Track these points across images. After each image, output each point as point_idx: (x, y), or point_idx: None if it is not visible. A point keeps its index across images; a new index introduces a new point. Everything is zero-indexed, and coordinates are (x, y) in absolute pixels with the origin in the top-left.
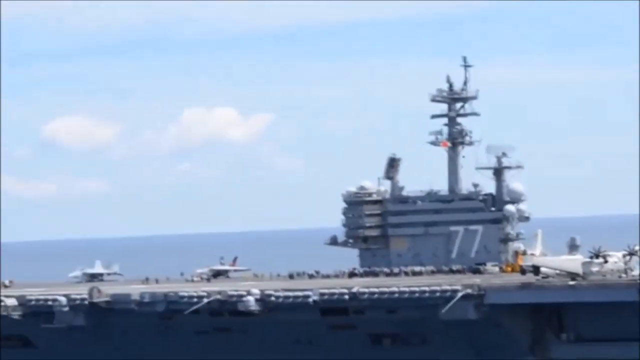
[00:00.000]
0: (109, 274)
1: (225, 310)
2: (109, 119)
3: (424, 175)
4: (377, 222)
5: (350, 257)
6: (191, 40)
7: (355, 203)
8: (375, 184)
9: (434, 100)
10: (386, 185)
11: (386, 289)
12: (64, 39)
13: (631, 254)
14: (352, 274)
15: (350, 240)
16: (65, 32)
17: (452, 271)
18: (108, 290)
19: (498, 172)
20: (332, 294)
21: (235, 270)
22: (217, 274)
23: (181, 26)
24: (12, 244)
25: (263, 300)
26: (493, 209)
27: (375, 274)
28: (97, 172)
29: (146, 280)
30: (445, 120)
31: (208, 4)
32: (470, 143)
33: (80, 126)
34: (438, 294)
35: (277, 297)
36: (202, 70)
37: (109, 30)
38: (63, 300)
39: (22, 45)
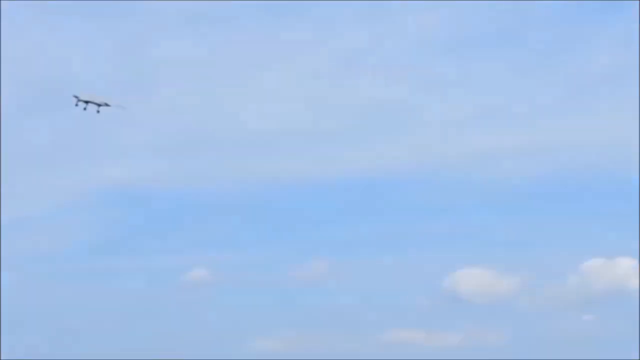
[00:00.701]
0: None
1: None
2: (509, 271)
3: None
4: None
5: None
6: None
7: None
8: None
9: None
10: None
11: None
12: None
13: None
14: None
15: None
16: (454, 185)
17: None
18: None
19: None
20: None
21: None
22: None
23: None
24: None
25: None
26: None
27: None
28: (498, 324)
29: None
30: None
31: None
32: None
33: (482, 278)
34: None
35: None
36: (602, 219)
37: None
38: None
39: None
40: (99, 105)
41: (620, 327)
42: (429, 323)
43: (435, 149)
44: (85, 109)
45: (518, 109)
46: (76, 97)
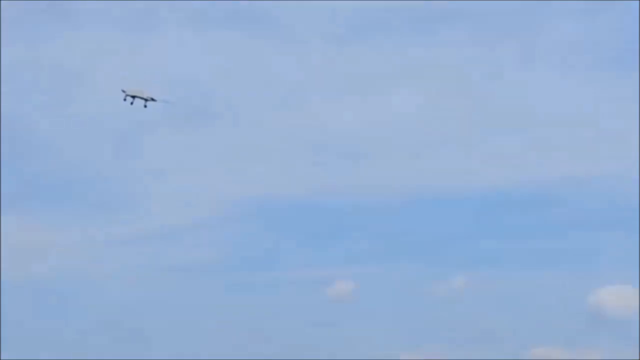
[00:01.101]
0: None
1: None
2: None
3: None
4: None
5: None
6: None
7: None
8: None
9: None
10: None
11: None
12: None
13: None
14: None
15: None
16: (595, 201)
17: None
18: None
19: None
20: None
21: None
22: None
23: None
24: None
25: None
26: None
27: None
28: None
29: None
30: None
31: None
32: None
33: (625, 295)
34: None
35: None
36: None
37: None
38: None
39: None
40: (146, 100)
41: None
42: (571, 340)
43: (577, 164)
44: (132, 103)
45: None
46: (124, 91)
